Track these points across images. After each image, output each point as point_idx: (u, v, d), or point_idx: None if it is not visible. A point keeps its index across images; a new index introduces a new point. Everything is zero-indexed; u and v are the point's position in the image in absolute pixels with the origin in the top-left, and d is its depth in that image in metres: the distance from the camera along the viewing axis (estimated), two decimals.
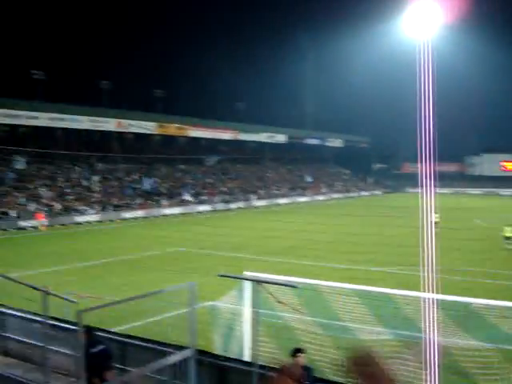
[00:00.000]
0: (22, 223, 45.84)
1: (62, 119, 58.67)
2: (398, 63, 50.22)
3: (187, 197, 64.04)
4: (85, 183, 58.24)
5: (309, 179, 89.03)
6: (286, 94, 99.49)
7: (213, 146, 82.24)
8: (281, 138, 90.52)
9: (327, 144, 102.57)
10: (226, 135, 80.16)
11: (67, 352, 9.10)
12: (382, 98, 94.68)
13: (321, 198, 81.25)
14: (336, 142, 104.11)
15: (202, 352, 9.07)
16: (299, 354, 8.20)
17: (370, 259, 28.29)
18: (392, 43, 28.69)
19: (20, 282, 7.31)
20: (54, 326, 9.51)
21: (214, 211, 61.81)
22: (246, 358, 11.64)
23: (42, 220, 46.20)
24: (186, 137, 76.81)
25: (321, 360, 11.23)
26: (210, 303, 14.99)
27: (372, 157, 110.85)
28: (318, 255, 29.76)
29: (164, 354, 8.62)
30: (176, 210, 59.04)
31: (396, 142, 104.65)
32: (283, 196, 76.64)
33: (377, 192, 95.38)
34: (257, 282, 8.01)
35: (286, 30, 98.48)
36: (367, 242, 34.71)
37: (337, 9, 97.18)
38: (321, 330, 12.79)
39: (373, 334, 12.48)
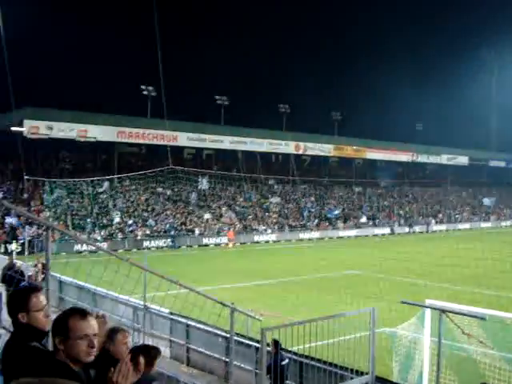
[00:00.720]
0: (206, 240, 48.51)
1: (243, 142, 61.34)
2: None
3: (363, 219, 63.51)
4: (263, 204, 60.14)
5: (485, 203, 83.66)
6: (468, 113, 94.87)
7: (390, 168, 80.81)
8: (462, 160, 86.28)
9: None
10: (404, 157, 78.24)
11: (249, 368, 9.40)
12: None
13: (507, 223, 76.14)
14: None
15: (380, 379, 8.88)
16: None
17: None
18: None
19: (208, 297, 7.70)
20: (238, 341, 9.85)
21: (391, 234, 60.58)
22: None
23: (231, 238, 48.66)
24: (362, 159, 76.38)
25: None
26: (388, 329, 14.64)
27: None
28: (504, 285, 27.81)
29: (341, 378, 8.57)
30: (352, 233, 58.79)
31: None
32: (464, 221, 73.03)
33: None
34: (442, 311, 7.68)
35: (466, 46, 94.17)
36: None
37: None
38: (508, 365, 11.90)
39: None
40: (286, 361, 9.43)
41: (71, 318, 3.10)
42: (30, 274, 18.88)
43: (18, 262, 20.50)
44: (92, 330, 3.12)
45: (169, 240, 46.43)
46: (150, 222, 48.74)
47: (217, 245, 48.16)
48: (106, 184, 50.36)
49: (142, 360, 4.15)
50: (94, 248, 37.28)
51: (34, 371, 2.84)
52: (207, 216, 52.96)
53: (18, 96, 38.41)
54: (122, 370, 3.13)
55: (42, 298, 3.49)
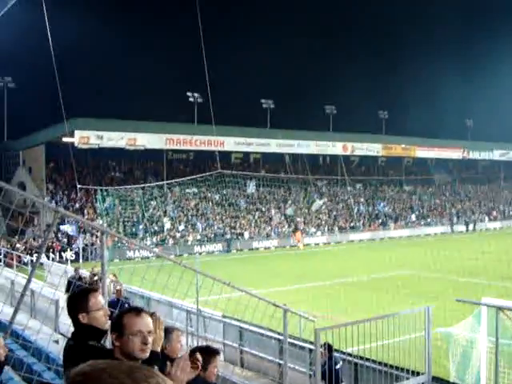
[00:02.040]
0: (255, 244, 48.68)
1: (290, 145, 61.28)
2: None
3: (414, 218, 62.61)
4: (315, 207, 59.89)
5: None
6: None
7: (441, 165, 79.45)
8: None
9: None
10: (455, 154, 76.66)
11: (303, 369, 9.40)
12: None
13: None
14: None
15: (437, 379, 8.75)
16: None
17: None
18: None
19: (261, 298, 7.75)
20: (291, 343, 9.86)
21: (443, 233, 59.52)
22: None
23: (299, 239, 49.42)
24: (412, 157, 75.31)
25: None
26: (443, 329, 14.39)
27: None
28: None
29: (397, 379, 8.48)
30: (403, 233, 58.01)
31: None
32: None
33: None
34: (498, 308, 7.52)
35: None
36: None
37: None
38: None
39: None
40: (340, 363, 9.40)
41: (126, 315, 3.22)
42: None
43: (83, 271, 21.07)
44: (146, 327, 3.20)
45: (219, 244, 46.82)
46: (200, 226, 49.24)
47: (266, 248, 48.24)
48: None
49: (199, 357, 4.21)
50: (145, 254, 37.89)
51: None
52: (256, 219, 53.17)
53: (69, 107, 39.33)
54: (180, 365, 3.20)
55: (100, 297, 3.61)
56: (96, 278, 19.32)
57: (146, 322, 3.24)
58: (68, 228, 41.81)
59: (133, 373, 1.21)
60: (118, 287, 15.25)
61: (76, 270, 20.49)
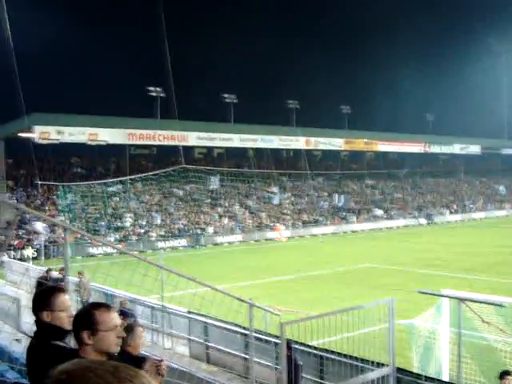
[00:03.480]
0: (219, 239, 48.60)
1: (254, 140, 61.30)
2: None
3: (377, 212, 63.35)
4: (275, 200, 60.07)
5: (501, 191, 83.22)
6: (479, 102, 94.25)
7: (402, 159, 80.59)
8: (474, 149, 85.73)
9: None
10: (416, 148, 77.83)
11: (269, 363, 9.43)
12: None
13: None
14: None
15: (401, 370, 8.88)
16: (508, 377, 7.68)
17: None
18: None
19: (226, 293, 7.73)
20: (256, 337, 9.87)
21: (405, 226, 60.40)
22: (446, 378, 11.18)
23: (281, 232, 50.68)
24: (374, 151, 76.15)
25: None
26: (406, 321, 14.60)
27: None
28: None
29: (362, 370, 8.57)
30: (365, 226, 58.63)
31: None
32: (479, 210, 72.65)
33: None
34: (460, 299, 7.66)
35: (477, 34, 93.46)
36: None
37: None
38: None
39: None
40: (301, 362, 9.44)
41: (98, 312, 3.15)
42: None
43: (55, 273, 19.62)
44: (118, 321, 3.21)
45: (184, 240, 46.63)
46: (163, 222, 48.94)
47: (230, 243, 48.23)
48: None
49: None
50: (108, 250, 37.48)
51: None
52: (219, 215, 53.11)
53: (28, 102, 38.70)
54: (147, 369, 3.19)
55: (67, 298, 3.57)
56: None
57: (117, 315, 3.24)
58: (40, 226, 40.86)
59: (118, 372, 1.19)
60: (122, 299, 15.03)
61: (48, 270, 18.97)
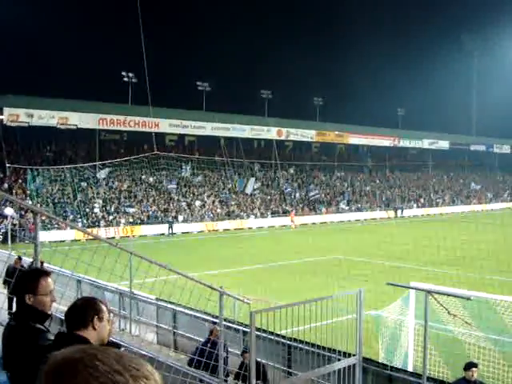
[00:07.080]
0: (189, 227, 48.43)
1: (226, 128, 61.15)
2: None
3: (344, 204, 63.85)
4: (246, 190, 60.02)
5: (473, 187, 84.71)
6: (449, 98, 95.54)
7: (372, 152, 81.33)
8: (443, 145, 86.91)
9: (494, 150, 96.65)
10: (386, 142, 78.61)
11: (237, 351, 9.49)
12: None
13: (487, 207, 77.04)
14: (503, 149, 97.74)
15: (367, 360, 9.02)
16: (473, 369, 7.87)
17: None
18: None
19: (197, 281, 7.74)
20: (226, 325, 9.92)
21: (373, 219, 61.01)
22: (410, 369, 11.39)
23: (293, 219, 53.66)
24: (344, 144, 76.64)
25: (492, 377, 10.67)
26: (373, 312, 14.82)
27: None
28: (488, 266, 28.17)
29: (329, 360, 8.68)
30: (334, 218, 59.06)
31: None
32: (446, 204, 73.77)
33: None
34: (428, 292, 7.79)
35: (448, 32, 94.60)
36: None
37: (508, 5, 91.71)
38: (492, 345, 12.13)
39: None
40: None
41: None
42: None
43: (27, 259, 16.34)
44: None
45: (153, 227, 46.43)
46: (132, 209, 48.59)
47: (200, 232, 48.14)
48: (104, 171, 50.34)
49: None
50: (77, 236, 37.11)
51: (40, 352, 2.87)
52: (190, 203, 52.95)
53: None
54: None
55: (51, 282, 3.57)
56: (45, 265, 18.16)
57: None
58: (9, 211, 39.98)
59: (123, 359, 1.18)
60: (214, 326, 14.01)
61: (19, 258, 16.65)
